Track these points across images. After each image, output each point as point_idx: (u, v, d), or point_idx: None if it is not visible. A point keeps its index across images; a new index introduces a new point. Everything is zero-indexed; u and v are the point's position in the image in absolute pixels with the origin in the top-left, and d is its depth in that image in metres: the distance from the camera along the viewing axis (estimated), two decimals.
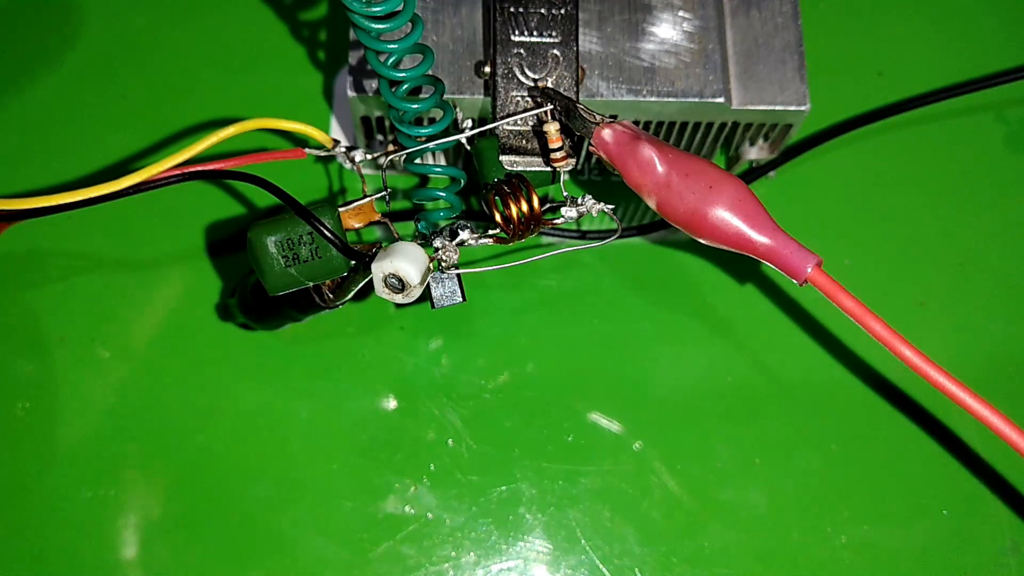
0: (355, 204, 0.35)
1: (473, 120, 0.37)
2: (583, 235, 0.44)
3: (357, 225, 0.35)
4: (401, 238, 0.33)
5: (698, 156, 0.33)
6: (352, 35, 0.38)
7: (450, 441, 0.41)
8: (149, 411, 0.41)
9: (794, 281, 0.32)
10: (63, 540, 0.39)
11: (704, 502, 0.40)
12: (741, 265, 0.44)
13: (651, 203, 0.34)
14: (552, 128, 0.35)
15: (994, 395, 0.33)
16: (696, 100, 0.38)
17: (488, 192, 0.35)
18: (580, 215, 0.35)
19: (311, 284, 0.34)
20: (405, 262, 0.31)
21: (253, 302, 0.39)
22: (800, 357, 0.43)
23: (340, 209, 0.34)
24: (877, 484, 0.41)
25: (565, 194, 0.35)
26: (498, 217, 0.34)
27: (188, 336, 0.42)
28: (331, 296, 0.36)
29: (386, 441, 0.41)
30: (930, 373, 0.32)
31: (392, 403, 0.42)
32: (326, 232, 0.32)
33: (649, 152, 0.33)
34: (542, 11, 0.37)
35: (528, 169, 0.36)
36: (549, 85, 0.36)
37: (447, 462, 0.40)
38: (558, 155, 0.35)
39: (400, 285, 0.32)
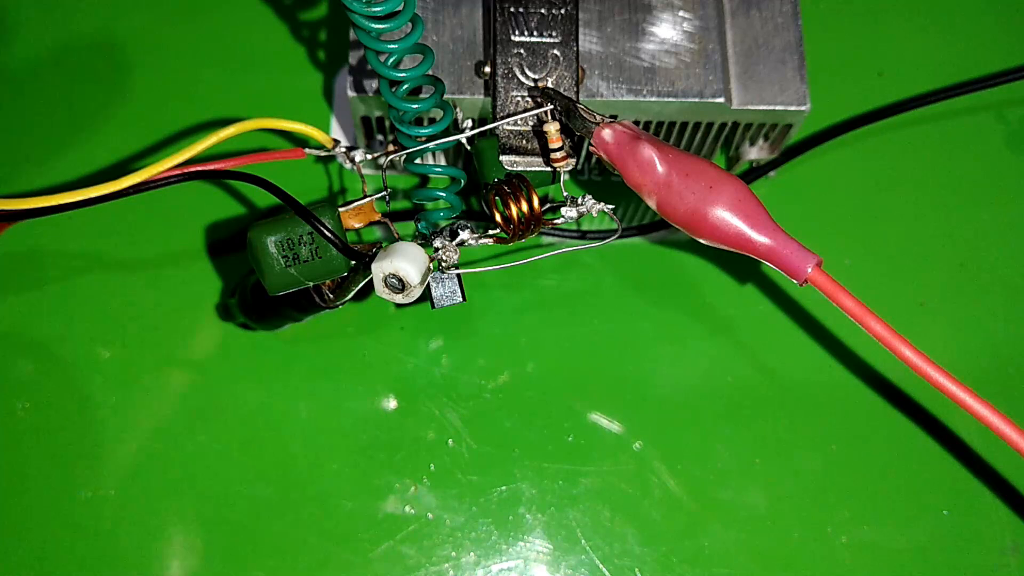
0: (355, 204, 0.35)
1: (473, 120, 0.37)
2: (583, 235, 0.44)
3: (357, 225, 0.35)
4: (401, 238, 0.33)
5: (698, 156, 0.33)
6: (352, 35, 0.38)
7: (450, 441, 0.41)
8: (149, 411, 0.41)
9: (794, 281, 0.32)
10: (63, 540, 0.39)
11: (704, 502, 0.40)
12: (741, 265, 0.44)
13: (651, 203, 0.34)
14: (552, 128, 0.35)
15: (994, 395, 0.33)
16: (696, 100, 0.38)
17: (488, 192, 0.35)
18: (580, 215, 0.35)
19: (311, 284, 0.34)
20: (405, 262, 0.31)
21: (253, 302, 0.39)
22: (800, 357, 0.43)
23: (340, 209, 0.34)
24: (877, 484, 0.41)
25: (565, 194, 0.35)
26: (498, 217, 0.34)
27: (188, 336, 0.42)
28: (331, 296, 0.36)
29: (386, 441, 0.41)
30: (930, 373, 0.32)
31: (392, 403, 0.42)
32: (326, 232, 0.32)
33: (649, 152, 0.33)
34: (542, 11, 0.37)
35: (528, 169, 0.36)
36: (549, 85, 0.36)
37: (447, 462, 0.40)
38: (558, 155, 0.35)
39: (400, 285, 0.32)
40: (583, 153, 0.42)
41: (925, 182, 0.46)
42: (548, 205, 0.35)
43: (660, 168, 0.33)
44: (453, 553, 0.39)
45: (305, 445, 0.41)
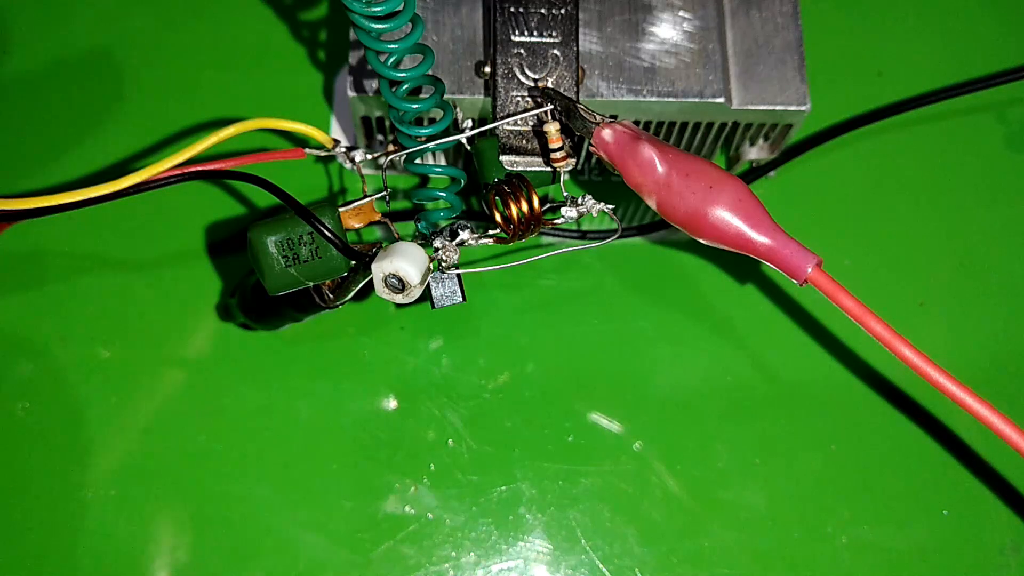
0: (355, 204, 0.35)
1: (473, 120, 0.37)
2: (583, 235, 0.44)
3: (357, 225, 0.35)
4: (401, 238, 0.33)
5: (698, 156, 0.33)
6: (352, 35, 0.38)
7: (450, 441, 0.41)
8: (149, 411, 0.41)
9: (794, 281, 0.32)
10: (63, 540, 0.39)
11: (704, 502, 0.40)
12: (741, 265, 0.44)
13: (651, 203, 0.34)
14: (552, 128, 0.35)
15: (994, 395, 0.33)
16: (696, 100, 0.38)
17: (488, 192, 0.35)
18: (580, 215, 0.35)
19: (311, 284, 0.34)
20: (405, 262, 0.31)
21: (253, 302, 0.39)
22: (800, 357, 0.43)
23: (340, 209, 0.34)
24: (877, 484, 0.41)
25: (565, 194, 0.35)
26: (498, 217, 0.34)
27: (188, 336, 0.42)
28: (331, 296, 0.36)
29: (386, 441, 0.41)
30: (930, 373, 0.32)
31: (392, 403, 0.42)
32: (326, 232, 0.32)
33: (649, 152, 0.33)
34: (542, 11, 0.37)
35: (528, 169, 0.36)
36: (549, 85, 0.36)
37: (447, 462, 0.40)
38: (558, 155, 0.35)
39: (400, 285, 0.32)
40: (583, 153, 0.42)
41: (925, 182, 0.46)
42: (548, 205, 0.35)
43: (660, 168, 0.33)
44: (453, 553, 0.39)
45: (305, 445, 0.41)
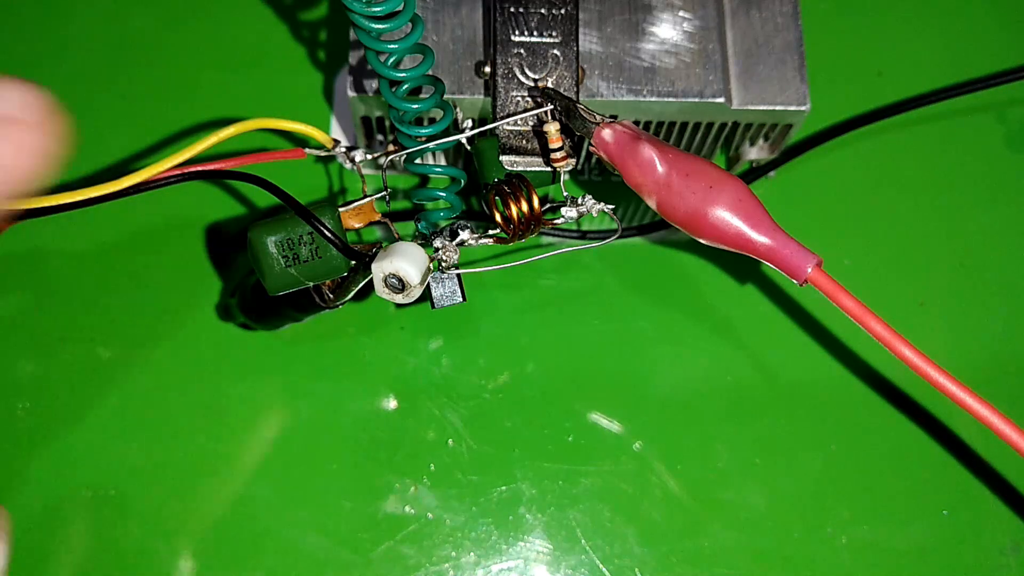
0: (355, 204, 0.35)
1: (473, 120, 0.37)
2: (583, 235, 0.44)
3: (357, 225, 0.35)
4: (401, 238, 0.33)
5: (698, 156, 0.33)
6: (352, 35, 0.38)
7: (450, 441, 0.41)
8: (149, 411, 0.41)
9: (794, 281, 0.32)
10: (63, 540, 0.39)
11: (704, 502, 0.40)
12: (741, 265, 0.44)
13: (651, 203, 0.34)
14: (552, 128, 0.35)
15: (994, 395, 0.33)
16: (696, 100, 0.38)
17: (488, 192, 0.35)
18: (580, 215, 0.35)
19: (311, 284, 0.34)
20: (405, 262, 0.31)
21: (253, 302, 0.39)
22: (800, 357, 0.43)
23: (340, 209, 0.34)
24: (877, 484, 0.41)
25: (565, 194, 0.35)
26: (498, 217, 0.34)
27: (188, 336, 0.42)
28: (331, 296, 0.36)
29: (386, 441, 0.41)
30: (930, 373, 0.32)
31: (392, 403, 0.42)
32: (326, 232, 0.32)
33: (649, 152, 0.33)
34: (542, 11, 0.37)
35: (528, 169, 0.36)
36: (549, 85, 0.36)
37: (447, 462, 0.40)
38: (558, 155, 0.35)
39: (400, 285, 0.32)
40: (583, 153, 0.42)
41: (925, 182, 0.46)
42: (548, 205, 0.35)
43: (660, 168, 0.33)
44: (453, 553, 0.39)
45: (305, 445, 0.41)
